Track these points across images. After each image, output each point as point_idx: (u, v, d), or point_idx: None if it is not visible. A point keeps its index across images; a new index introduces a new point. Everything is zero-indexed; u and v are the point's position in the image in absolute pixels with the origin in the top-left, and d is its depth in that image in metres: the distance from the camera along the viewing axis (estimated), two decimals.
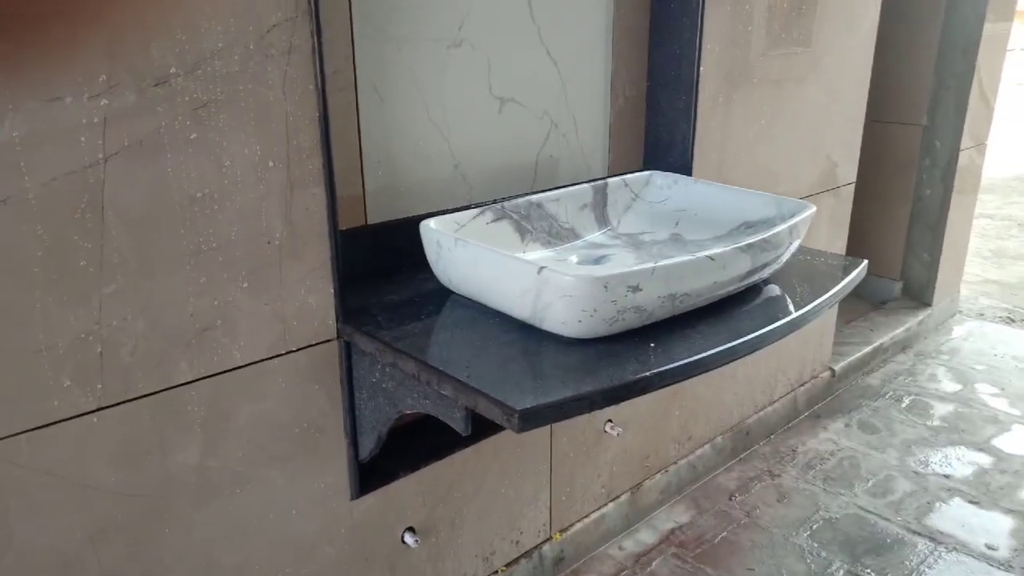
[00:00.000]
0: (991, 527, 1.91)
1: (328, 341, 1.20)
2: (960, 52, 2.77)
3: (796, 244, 1.34)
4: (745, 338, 1.12)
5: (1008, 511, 1.96)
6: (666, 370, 1.02)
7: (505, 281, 1.11)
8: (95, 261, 0.94)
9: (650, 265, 1.06)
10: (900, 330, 2.88)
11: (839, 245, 2.38)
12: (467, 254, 1.15)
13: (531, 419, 0.92)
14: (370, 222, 1.35)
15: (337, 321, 1.20)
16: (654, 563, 1.79)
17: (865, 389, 2.63)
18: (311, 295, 1.16)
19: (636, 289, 1.05)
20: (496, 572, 1.62)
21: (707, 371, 1.09)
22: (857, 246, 2.93)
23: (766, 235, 1.22)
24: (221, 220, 1.04)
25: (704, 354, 1.07)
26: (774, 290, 1.33)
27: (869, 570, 1.77)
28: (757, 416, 2.25)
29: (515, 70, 1.49)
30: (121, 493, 1.03)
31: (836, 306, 2.52)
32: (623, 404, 1.80)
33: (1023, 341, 3.01)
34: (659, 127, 1.78)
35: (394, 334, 1.14)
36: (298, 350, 1.17)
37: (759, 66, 1.88)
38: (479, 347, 1.11)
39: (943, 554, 1.82)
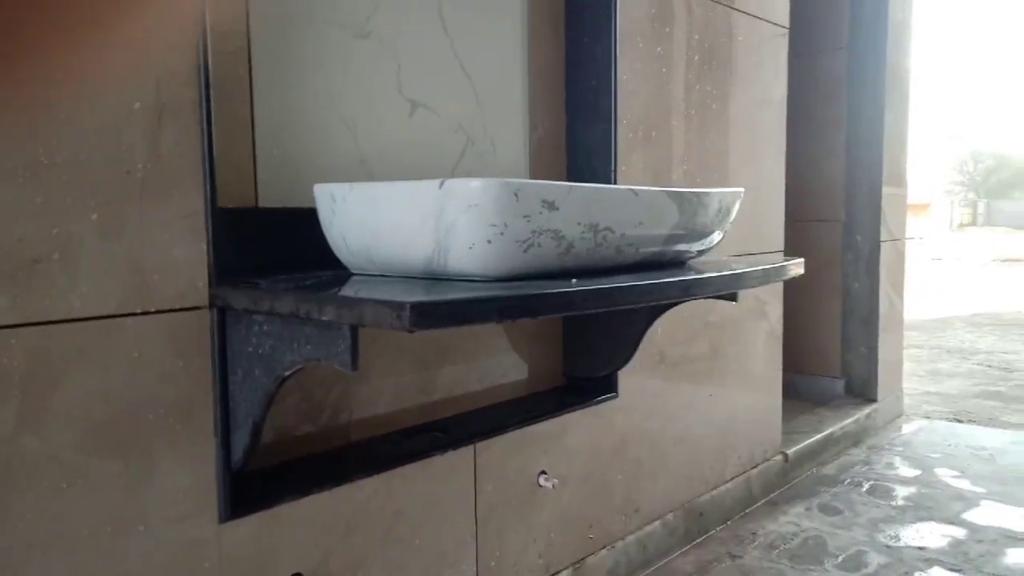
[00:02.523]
0: None
1: (197, 308, 1.01)
2: (866, 147, 2.90)
3: (727, 223, 1.25)
4: (679, 278, 1.00)
5: None
6: (591, 290, 0.88)
7: (405, 214, 0.97)
8: None
9: (567, 184, 0.95)
10: (849, 421, 2.75)
11: (777, 329, 2.31)
12: (363, 195, 1.01)
13: (427, 315, 0.75)
14: (262, 205, 1.21)
15: (210, 286, 1.02)
16: None
17: (821, 478, 2.44)
18: (177, 246, 0.99)
19: (552, 207, 0.92)
20: None
21: (637, 303, 0.95)
22: (794, 344, 2.86)
23: (696, 190, 1.13)
24: (70, 131, 0.89)
25: (634, 283, 0.93)
26: (706, 265, 1.22)
27: None
28: (710, 495, 2.03)
29: (427, 75, 1.43)
30: None
31: (779, 395, 2.39)
32: (557, 454, 1.58)
33: (975, 434, 2.91)
34: (580, 162, 1.73)
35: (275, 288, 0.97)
36: (157, 312, 0.98)
37: (678, 112, 1.89)
38: (373, 288, 0.95)
39: None
